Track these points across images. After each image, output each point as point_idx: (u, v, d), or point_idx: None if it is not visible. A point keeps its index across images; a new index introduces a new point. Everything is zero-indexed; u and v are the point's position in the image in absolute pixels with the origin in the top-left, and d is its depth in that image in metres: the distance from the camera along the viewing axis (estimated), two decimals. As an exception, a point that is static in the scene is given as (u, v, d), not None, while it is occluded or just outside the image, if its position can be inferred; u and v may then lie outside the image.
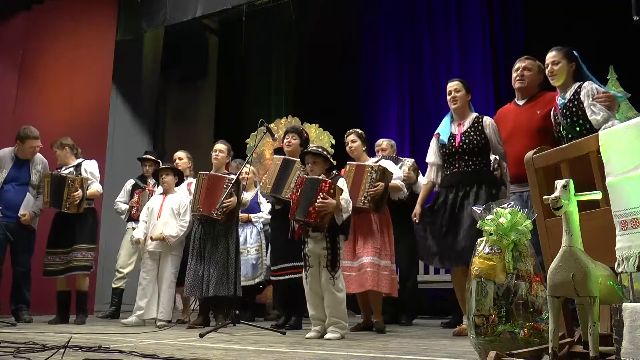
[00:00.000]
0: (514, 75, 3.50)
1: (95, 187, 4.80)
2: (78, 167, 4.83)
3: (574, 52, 3.16)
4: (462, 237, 3.33)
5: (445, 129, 3.61)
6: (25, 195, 4.74)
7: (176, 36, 8.14)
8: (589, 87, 3.00)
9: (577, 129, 2.99)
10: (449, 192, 3.50)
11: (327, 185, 3.33)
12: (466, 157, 3.49)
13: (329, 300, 3.34)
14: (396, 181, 4.21)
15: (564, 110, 3.07)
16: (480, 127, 3.50)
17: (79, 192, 4.58)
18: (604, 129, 2.76)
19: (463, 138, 3.50)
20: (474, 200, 3.35)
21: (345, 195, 3.46)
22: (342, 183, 3.52)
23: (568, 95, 3.09)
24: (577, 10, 5.74)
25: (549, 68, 3.16)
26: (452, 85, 3.63)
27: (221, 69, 8.84)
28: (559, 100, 3.14)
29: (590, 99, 2.94)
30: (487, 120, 3.54)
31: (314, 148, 3.62)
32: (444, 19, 7.19)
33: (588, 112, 2.94)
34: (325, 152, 3.56)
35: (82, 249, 4.64)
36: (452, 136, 3.55)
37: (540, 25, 5.99)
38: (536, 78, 3.44)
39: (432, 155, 3.67)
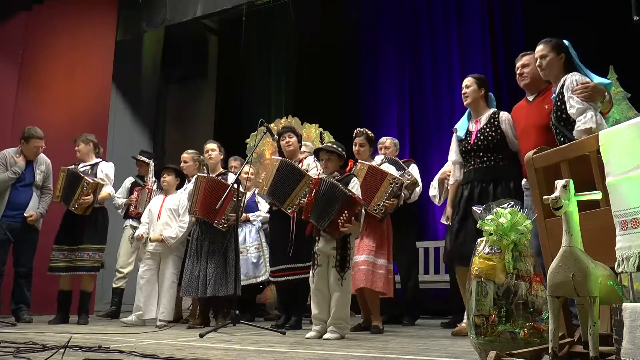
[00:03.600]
0: (517, 76, 3.44)
1: (107, 190, 4.78)
2: (95, 166, 4.82)
3: (565, 42, 3.00)
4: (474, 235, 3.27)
5: (462, 124, 3.57)
6: (31, 196, 4.75)
7: (176, 36, 8.14)
8: (570, 79, 2.86)
9: (562, 123, 2.88)
10: (464, 189, 3.46)
11: (359, 207, 3.37)
12: (481, 154, 3.44)
13: (336, 300, 3.35)
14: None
15: (554, 105, 2.96)
16: (496, 122, 3.45)
17: (90, 197, 4.56)
18: (579, 121, 2.73)
19: (478, 135, 3.45)
20: (492, 197, 3.25)
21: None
22: (355, 187, 3.53)
23: (557, 88, 2.96)
24: (577, 10, 5.74)
25: (537, 62, 3.04)
26: (465, 81, 3.59)
27: (221, 69, 8.84)
28: (552, 95, 3.03)
29: (570, 91, 2.81)
30: (504, 115, 3.48)
31: (328, 145, 3.63)
32: (443, 19, 7.18)
33: (567, 106, 2.82)
34: (339, 149, 3.57)
35: (90, 249, 4.63)
36: (468, 133, 3.50)
37: (540, 25, 5.98)
38: (537, 71, 3.25)
39: (453, 154, 3.63)
